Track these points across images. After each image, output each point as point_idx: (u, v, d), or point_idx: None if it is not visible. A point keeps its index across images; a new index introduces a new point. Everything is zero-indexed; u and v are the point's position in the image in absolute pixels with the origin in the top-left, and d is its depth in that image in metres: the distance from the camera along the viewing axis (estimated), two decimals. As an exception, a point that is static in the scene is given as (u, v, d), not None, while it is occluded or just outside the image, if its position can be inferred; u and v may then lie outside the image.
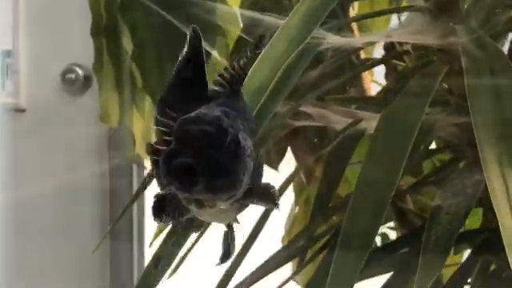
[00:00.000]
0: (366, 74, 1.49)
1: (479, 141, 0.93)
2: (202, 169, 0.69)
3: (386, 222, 1.55)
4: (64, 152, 1.57)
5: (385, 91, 1.34)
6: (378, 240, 1.56)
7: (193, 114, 0.72)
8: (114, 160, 1.53)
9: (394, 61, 1.40)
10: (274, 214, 1.21)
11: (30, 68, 1.59)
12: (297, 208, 1.64)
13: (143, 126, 1.55)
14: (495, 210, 0.86)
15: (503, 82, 0.98)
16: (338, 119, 1.22)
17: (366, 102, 1.31)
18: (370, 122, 1.17)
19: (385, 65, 1.47)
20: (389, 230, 1.58)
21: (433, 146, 1.46)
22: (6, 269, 1.41)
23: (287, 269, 1.40)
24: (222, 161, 0.70)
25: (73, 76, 1.64)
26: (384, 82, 1.47)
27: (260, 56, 1.04)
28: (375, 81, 1.52)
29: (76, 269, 1.51)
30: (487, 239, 1.17)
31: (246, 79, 1.16)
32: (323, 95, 1.22)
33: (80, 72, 1.63)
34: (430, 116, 1.07)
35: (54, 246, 1.54)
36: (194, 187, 0.70)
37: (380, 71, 1.50)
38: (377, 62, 1.33)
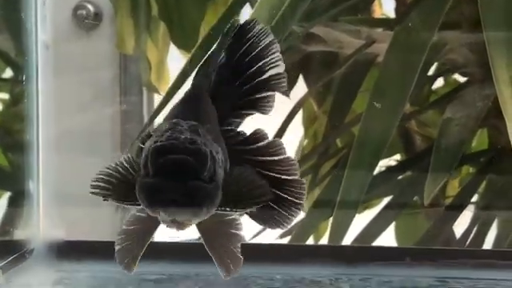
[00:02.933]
0: (375, 8, 1.51)
1: (490, 51, 0.96)
2: (186, 201, 0.67)
3: (392, 155, 1.58)
4: (75, 90, 1.59)
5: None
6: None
7: (164, 140, 0.68)
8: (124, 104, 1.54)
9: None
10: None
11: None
12: (305, 141, 1.67)
13: (157, 54, 1.57)
14: (503, 112, 0.90)
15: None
16: (350, 42, 1.25)
17: (377, 23, 1.33)
18: (382, 45, 1.19)
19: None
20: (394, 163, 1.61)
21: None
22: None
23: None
24: (204, 188, 0.68)
25: (84, 12, 1.65)
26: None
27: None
28: (385, 14, 1.54)
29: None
30: (492, 159, 1.20)
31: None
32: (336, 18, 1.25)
33: (91, 8, 1.64)
34: (443, 33, 1.10)
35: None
36: (178, 216, 0.69)
37: (390, 4, 1.53)
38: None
